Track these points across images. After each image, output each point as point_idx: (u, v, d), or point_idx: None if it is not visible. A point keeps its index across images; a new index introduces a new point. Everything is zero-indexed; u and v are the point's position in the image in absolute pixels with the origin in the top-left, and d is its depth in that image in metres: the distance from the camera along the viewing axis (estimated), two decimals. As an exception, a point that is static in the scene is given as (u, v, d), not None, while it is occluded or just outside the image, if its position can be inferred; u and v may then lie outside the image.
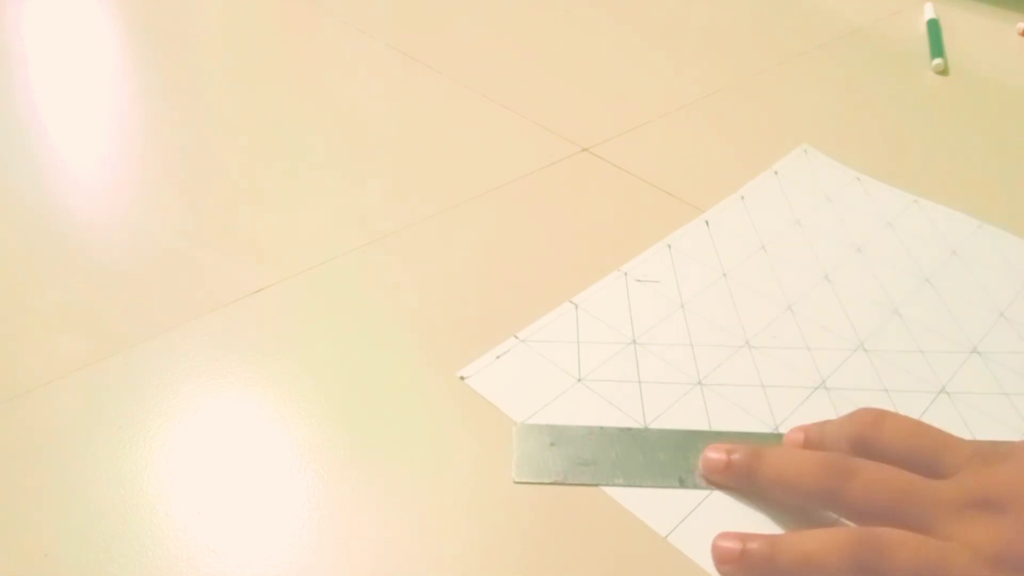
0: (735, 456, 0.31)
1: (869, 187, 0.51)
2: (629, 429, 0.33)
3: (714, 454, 0.31)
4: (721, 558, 0.28)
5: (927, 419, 0.33)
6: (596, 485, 0.31)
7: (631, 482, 0.31)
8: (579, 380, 0.36)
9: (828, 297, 0.39)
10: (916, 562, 0.26)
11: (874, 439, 0.29)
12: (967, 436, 0.34)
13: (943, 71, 0.64)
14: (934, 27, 0.68)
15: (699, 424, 0.34)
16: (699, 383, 0.36)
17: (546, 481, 0.31)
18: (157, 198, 0.46)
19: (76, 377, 0.35)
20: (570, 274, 0.42)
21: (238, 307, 0.39)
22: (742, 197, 0.49)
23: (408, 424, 0.34)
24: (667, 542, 0.29)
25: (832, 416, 0.34)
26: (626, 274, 0.42)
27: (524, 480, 0.31)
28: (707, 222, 0.46)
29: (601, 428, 0.33)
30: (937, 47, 0.66)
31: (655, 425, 0.34)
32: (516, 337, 0.38)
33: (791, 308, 0.40)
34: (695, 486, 0.31)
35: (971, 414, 0.36)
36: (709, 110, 0.58)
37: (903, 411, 0.35)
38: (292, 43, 0.66)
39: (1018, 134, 0.57)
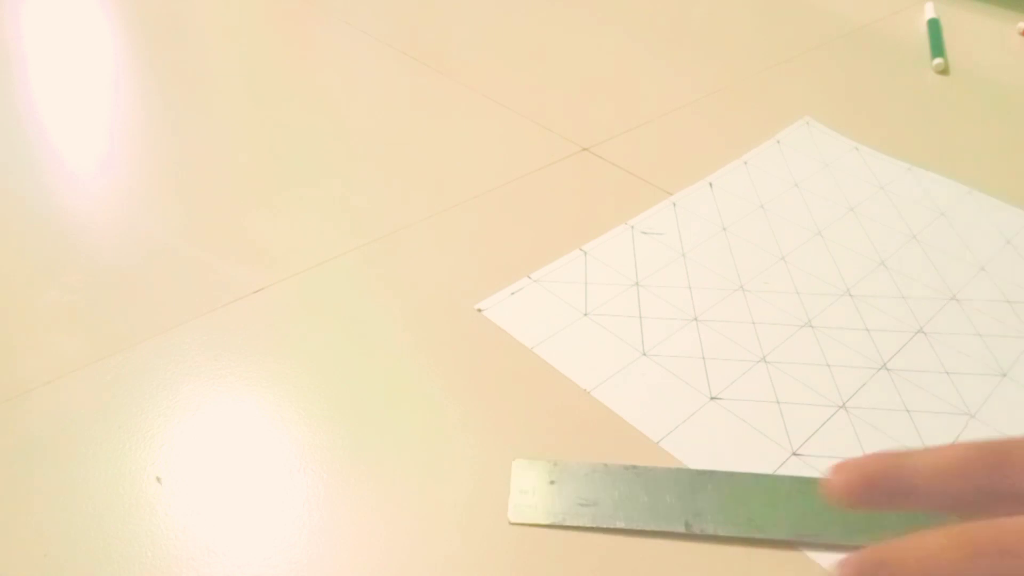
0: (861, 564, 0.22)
1: (866, 156, 0.54)
2: (635, 467, 0.32)
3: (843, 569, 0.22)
4: None
5: (904, 355, 0.37)
6: (596, 529, 0.30)
7: (633, 525, 0.29)
8: (585, 314, 0.39)
9: (819, 249, 0.43)
10: None
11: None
12: (942, 372, 0.37)
13: (944, 71, 0.64)
14: (934, 27, 0.68)
15: (692, 351, 0.37)
16: (695, 319, 0.39)
17: (543, 523, 0.30)
18: (157, 198, 0.46)
19: (76, 377, 0.35)
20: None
21: (238, 307, 0.39)
22: (745, 162, 0.52)
23: (408, 424, 0.34)
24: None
25: (817, 352, 0.37)
26: (632, 227, 0.45)
27: (520, 522, 0.29)
28: (711, 184, 0.49)
29: (604, 465, 0.32)
30: (937, 47, 0.66)
31: (652, 352, 0.37)
32: (529, 278, 0.41)
33: (784, 259, 0.44)
34: (703, 532, 0.29)
35: (945, 352, 0.38)
36: (709, 110, 0.58)
37: (882, 346, 0.38)
38: (292, 43, 0.66)
39: (1019, 134, 0.57)
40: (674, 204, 0.47)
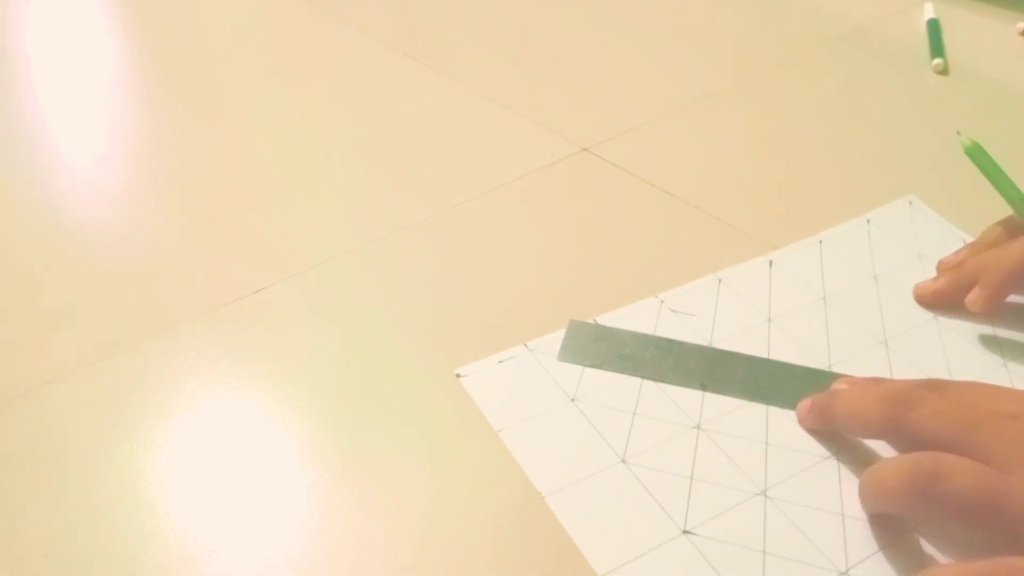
0: (816, 397, 0.33)
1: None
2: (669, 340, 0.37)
3: (802, 401, 0.34)
4: None
5: None
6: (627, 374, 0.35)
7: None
8: (572, 400, 0.34)
9: (880, 364, 0.36)
10: (975, 491, 0.25)
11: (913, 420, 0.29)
12: None
13: (943, 71, 0.64)
14: (934, 27, 0.68)
15: (680, 466, 0.32)
16: (697, 427, 0.33)
17: (586, 364, 0.36)
18: (157, 198, 0.47)
19: (76, 377, 0.35)
20: (574, 287, 0.42)
21: (238, 307, 0.39)
22: (820, 241, 0.44)
23: (408, 423, 0.34)
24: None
25: (833, 494, 0.31)
26: (662, 302, 0.39)
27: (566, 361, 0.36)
28: (771, 262, 0.42)
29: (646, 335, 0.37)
30: (937, 47, 0.66)
31: (633, 460, 0.32)
32: (526, 346, 0.37)
33: (831, 367, 0.37)
34: (715, 391, 0.35)
35: None
36: (709, 110, 0.58)
37: None
38: (292, 43, 0.66)
39: (1019, 134, 0.57)
40: (720, 281, 0.41)
